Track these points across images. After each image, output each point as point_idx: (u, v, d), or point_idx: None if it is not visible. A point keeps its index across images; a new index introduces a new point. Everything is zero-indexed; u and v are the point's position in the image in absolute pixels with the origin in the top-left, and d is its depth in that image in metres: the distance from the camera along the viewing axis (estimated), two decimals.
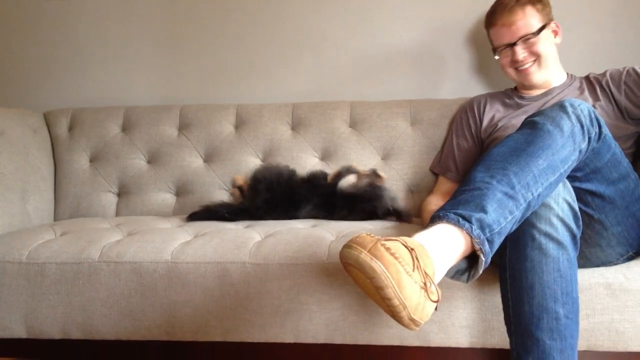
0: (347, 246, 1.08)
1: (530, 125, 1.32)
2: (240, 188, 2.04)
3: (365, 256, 1.04)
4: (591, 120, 1.31)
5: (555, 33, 1.86)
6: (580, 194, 1.35)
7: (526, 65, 1.85)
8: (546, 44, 1.82)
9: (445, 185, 1.94)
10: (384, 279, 1.03)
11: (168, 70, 2.39)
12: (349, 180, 1.85)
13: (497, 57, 1.91)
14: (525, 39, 1.82)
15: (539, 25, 1.81)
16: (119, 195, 2.19)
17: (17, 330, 1.55)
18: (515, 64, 1.86)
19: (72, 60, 2.43)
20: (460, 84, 2.25)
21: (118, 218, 2.03)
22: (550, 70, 1.85)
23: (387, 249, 1.05)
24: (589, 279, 1.39)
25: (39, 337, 1.56)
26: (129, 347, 1.57)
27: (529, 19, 1.81)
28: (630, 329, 1.39)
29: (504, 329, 1.34)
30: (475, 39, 2.08)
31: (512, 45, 1.84)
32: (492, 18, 1.91)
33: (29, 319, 1.54)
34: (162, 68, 2.39)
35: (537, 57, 1.83)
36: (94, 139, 2.23)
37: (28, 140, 2.09)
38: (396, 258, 1.04)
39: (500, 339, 1.41)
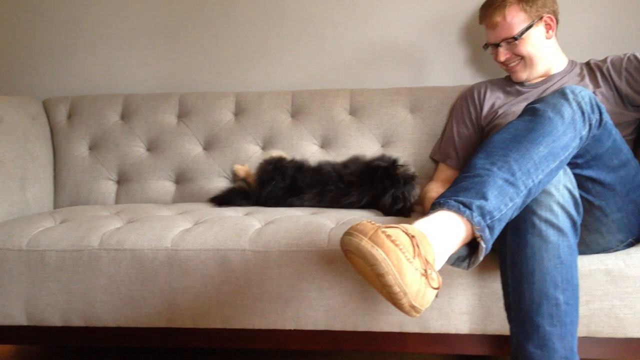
0: (348, 233, 1.08)
1: (531, 112, 1.32)
2: (245, 181, 2.05)
3: (366, 243, 1.05)
4: (592, 107, 1.31)
5: (549, 27, 1.83)
6: (580, 180, 1.35)
7: (511, 65, 1.86)
8: (532, 43, 1.82)
9: (446, 172, 1.94)
10: (384, 266, 1.03)
11: (167, 57, 2.38)
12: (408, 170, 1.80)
13: (487, 52, 1.92)
14: (508, 41, 1.82)
15: (523, 25, 1.80)
16: (118, 182, 2.19)
17: (18, 317, 1.56)
18: (500, 62, 1.87)
19: (71, 47, 2.42)
20: (460, 71, 2.24)
21: (118, 206, 2.02)
22: (538, 67, 1.85)
23: (388, 236, 1.05)
24: (589, 265, 1.40)
25: (40, 324, 1.57)
26: (129, 334, 1.57)
27: (512, 20, 1.80)
28: (630, 315, 1.39)
29: (504, 315, 1.35)
30: (475, 26, 2.07)
31: (497, 45, 1.85)
32: (480, 14, 1.92)
33: (29, 307, 1.55)
34: (162, 56, 2.38)
35: (521, 58, 1.83)
36: (94, 127, 2.23)
37: (27, 128, 2.09)
38: (397, 245, 1.04)
39: (500, 325, 1.42)
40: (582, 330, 1.40)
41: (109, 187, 2.18)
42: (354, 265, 1.15)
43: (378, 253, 1.04)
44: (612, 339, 1.43)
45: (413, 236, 1.08)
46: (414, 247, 1.07)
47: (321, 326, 1.48)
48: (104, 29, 2.39)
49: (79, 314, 1.54)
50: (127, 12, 2.38)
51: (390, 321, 1.46)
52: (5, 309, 1.55)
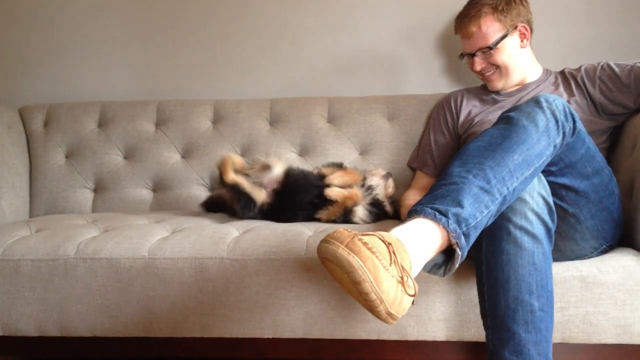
0: (325, 241, 1.08)
1: (506, 120, 1.33)
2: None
3: (342, 251, 1.05)
4: (566, 115, 1.33)
5: (524, 36, 1.86)
6: (555, 188, 1.37)
7: (487, 74, 1.88)
8: (507, 52, 1.84)
9: (423, 180, 1.95)
10: (361, 273, 1.04)
11: (145, 65, 2.37)
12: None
13: (463, 61, 1.94)
14: (483, 50, 1.84)
15: (498, 35, 1.82)
16: (95, 191, 2.17)
17: None
18: (476, 72, 1.89)
19: (48, 55, 2.40)
20: (437, 79, 2.26)
21: (94, 214, 2.01)
22: (513, 76, 1.88)
23: (365, 243, 1.05)
24: (563, 272, 1.41)
25: (15, 334, 1.54)
26: (105, 344, 1.56)
27: (487, 30, 1.82)
28: (604, 321, 1.41)
29: (480, 322, 1.36)
30: (452, 36, 2.09)
31: (472, 55, 1.87)
32: (455, 25, 1.94)
33: (4, 316, 1.53)
34: (139, 63, 2.37)
35: (497, 67, 1.85)
36: (70, 135, 2.21)
37: (2, 136, 2.07)
38: (373, 252, 1.05)
39: (476, 332, 1.43)
40: (556, 337, 1.40)
41: (86, 196, 2.16)
42: (331, 273, 1.15)
43: (355, 260, 1.04)
44: (586, 345, 1.45)
45: (390, 243, 1.09)
46: (390, 254, 1.08)
47: (299, 334, 1.48)
48: (81, 36, 2.38)
49: (54, 323, 1.52)
50: (104, 19, 2.36)
51: (368, 329, 1.46)
52: None
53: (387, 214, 1.77)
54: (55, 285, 1.51)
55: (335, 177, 1.75)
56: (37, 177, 2.18)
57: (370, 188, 1.77)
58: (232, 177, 1.72)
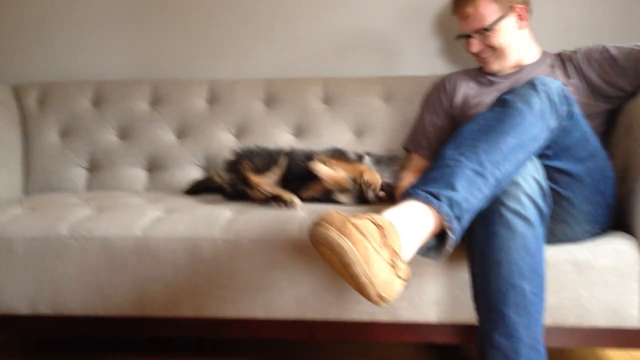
0: (316, 224, 1.08)
1: (501, 103, 1.33)
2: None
3: (333, 233, 1.05)
4: (561, 99, 1.32)
5: (521, 18, 1.83)
6: (549, 171, 1.36)
7: (483, 56, 1.87)
8: (504, 34, 1.82)
9: (418, 162, 1.94)
10: (351, 256, 1.04)
11: (140, 43, 2.35)
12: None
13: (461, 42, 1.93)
14: (479, 32, 1.82)
15: (495, 17, 1.80)
16: (89, 170, 2.17)
17: None
18: (473, 53, 1.88)
19: (42, 32, 2.37)
20: (433, 61, 2.24)
21: (88, 193, 2.01)
22: (510, 58, 1.86)
23: (356, 226, 1.05)
24: (555, 255, 1.41)
25: (8, 313, 1.55)
26: (99, 323, 1.56)
27: (483, 11, 1.80)
28: (596, 304, 1.41)
29: (472, 305, 1.36)
30: (449, 17, 2.07)
31: (469, 36, 1.85)
32: (452, 6, 1.92)
33: None
34: (134, 41, 2.35)
35: (493, 49, 1.84)
36: (65, 113, 2.20)
37: None
38: (364, 235, 1.05)
39: (468, 314, 1.42)
40: (548, 320, 1.41)
41: (80, 175, 2.15)
42: (322, 256, 1.15)
43: (345, 243, 1.04)
44: (578, 329, 1.45)
45: (381, 226, 1.09)
46: (381, 237, 1.08)
47: (292, 315, 1.49)
48: (75, 13, 2.35)
49: (47, 302, 1.53)
50: None
51: (361, 310, 1.46)
52: None
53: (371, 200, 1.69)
54: (48, 264, 1.52)
55: (331, 165, 1.71)
56: (31, 155, 2.17)
57: (364, 184, 1.66)
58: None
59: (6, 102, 2.15)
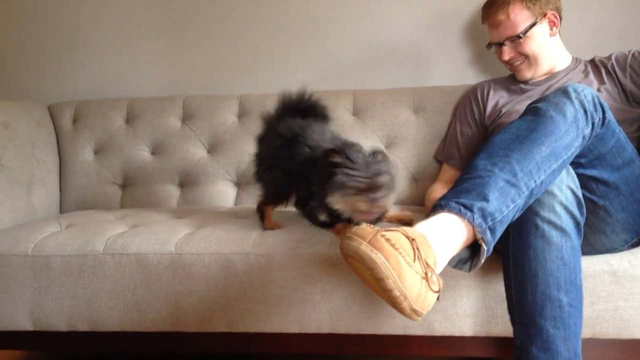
0: (348, 237, 1.08)
1: (533, 111, 1.31)
2: None
3: (365, 247, 1.04)
4: (595, 106, 1.30)
5: (553, 24, 1.82)
6: (584, 180, 1.34)
7: (515, 63, 1.85)
8: (536, 41, 1.81)
9: (449, 173, 1.93)
10: (384, 270, 1.03)
11: (171, 61, 2.38)
12: None
13: (491, 51, 1.92)
14: (512, 39, 1.81)
15: (527, 23, 1.79)
16: (123, 187, 2.20)
17: (24, 322, 1.56)
18: (505, 61, 1.86)
19: (75, 52, 2.42)
20: (463, 71, 2.23)
21: (123, 210, 2.03)
22: (543, 65, 1.84)
23: (387, 239, 1.05)
24: (593, 266, 1.38)
25: (46, 330, 1.57)
26: (134, 339, 1.57)
27: (516, 18, 1.79)
28: (636, 316, 1.38)
29: (507, 317, 1.34)
30: (478, 26, 2.06)
31: (501, 44, 1.84)
32: (482, 14, 1.91)
33: (35, 312, 1.55)
34: (166, 59, 2.38)
35: (525, 56, 1.82)
36: (98, 131, 2.24)
37: (33, 133, 2.10)
38: (396, 249, 1.04)
39: (504, 327, 1.41)
40: (586, 332, 1.38)
41: (114, 192, 2.19)
42: (354, 270, 1.15)
43: (377, 257, 1.03)
44: (617, 340, 1.42)
45: (413, 239, 1.08)
46: (414, 250, 1.07)
47: (325, 329, 1.48)
48: (108, 33, 2.40)
49: (84, 319, 1.54)
50: (130, 15, 2.38)
51: (394, 324, 1.45)
52: (11, 315, 1.56)
53: None
54: (84, 281, 1.53)
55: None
56: (67, 173, 2.21)
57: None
58: None
59: (42, 122, 2.20)
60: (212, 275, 1.49)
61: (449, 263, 1.19)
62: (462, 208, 1.16)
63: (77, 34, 2.42)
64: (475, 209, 1.15)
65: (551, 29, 1.82)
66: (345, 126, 2.11)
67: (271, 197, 1.59)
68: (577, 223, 1.27)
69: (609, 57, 1.81)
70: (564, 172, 1.28)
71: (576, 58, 1.89)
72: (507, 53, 1.84)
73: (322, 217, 1.44)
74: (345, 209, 1.30)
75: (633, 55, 1.75)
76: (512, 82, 1.93)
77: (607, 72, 1.78)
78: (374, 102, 2.12)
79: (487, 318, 1.42)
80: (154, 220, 1.72)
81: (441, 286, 1.11)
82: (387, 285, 1.04)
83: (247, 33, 2.33)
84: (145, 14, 2.38)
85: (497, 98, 1.91)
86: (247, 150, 2.13)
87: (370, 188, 1.25)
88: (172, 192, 2.16)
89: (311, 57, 2.31)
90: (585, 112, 1.28)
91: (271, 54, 2.33)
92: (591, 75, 1.80)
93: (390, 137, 2.09)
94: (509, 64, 1.88)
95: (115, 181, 2.19)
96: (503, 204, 1.18)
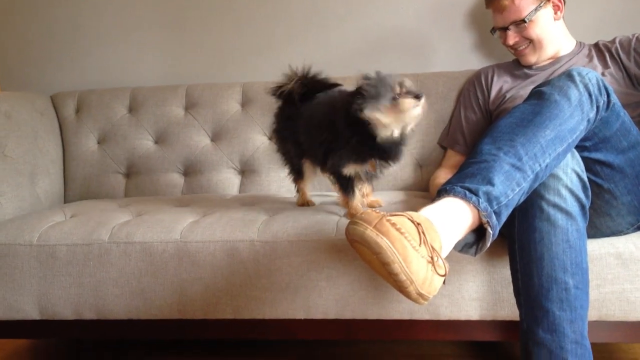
0: (353, 222, 1.08)
1: (538, 95, 1.30)
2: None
3: (370, 232, 1.04)
4: (599, 89, 1.29)
5: (557, 8, 1.82)
6: (589, 163, 1.34)
7: (520, 48, 1.84)
8: (541, 25, 1.80)
9: (454, 158, 1.92)
10: (390, 254, 1.03)
11: (174, 49, 2.38)
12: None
13: (495, 36, 1.91)
14: (516, 24, 1.80)
15: (531, 7, 1.78)
16: (127, 176, 2.20)
17: (30, 311, 1.57)
18: (509, 46, 1.85)
19: (78, 42, 2.42)
20: (467, 56, 2.22)
21: (127, 199, 2.04)
22: (547, 49, 1.84)
23: (393, 224, 1.05)
24: (599, 248, 1.38)
25: (52, 318, 1.58)
26: (141, 326, 1.58)
27: (520, 2, 1.79)
28: None
29: (514, 300, 1.34)
30: (481, 11, 2.05)
31: (505, 29, 1.83)
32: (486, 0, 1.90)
33: (41, 301, 1.56)
34: (168, 48, 2.38)
35: (530, 41, 1.81)
36: (101, 121, 2.24)
37: (36, 123, 2.09)
38: (402, 233, 1.04)
39: (510, 310, 1.41)
40: (593, 314, 1.38)
41: (118, 181, 2.19)
42: (360, 255, 1.15)
43: (383, 241, 1.03)
44: (623, 323, 1.42)
45: (419, 223, 1.08)
46: (419, 234, 1.07)
47: (331, 315, 1.48)
48: (110, 22, 2.39)
49: (90, 307, 1.55)
50: (133, 5, 2.37)
51: (401, 309, 1.45)
52: (17, 304, 1.56)
53: None
54: (90, 270, 1.54)
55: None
56: (71, 163, 2.21)
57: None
58: None
59: (45, 112, 2.20)
60: (217, 262, 1.49)
61: (455, 247, 1.19)
62: (467, 192, 1.16)
63: (80, 24, 2.41)
64: (480, 193, 1.15)
65: (555, 13, 1.81)
66: None
67: (292, 171, 1.70)
68: (582, 206, 1.27)
69: (613, 41, 1.80)
70: (569, 155, 1.28)
71: (580, 42, 1.88)
72: (512, 38, 1.84)
73: (347, 169, 1.45)
74: (382, 118, 1.37)
75: (637, 38, 1.74)
76: (516, 67, 1.92)
77: (611, 56, 1.77)
78: None
79: (493, 302, 1.42)
80: (159, 209, 1.72)
81: (447, 270, 1.11)
82: (393, 269, 1.04)
83: (250, 20, 2.32)
84: (147, 3, 2.37)
85: (501, 83, 1.90)
86: (250, 137, 2.13)
87: (402, 92, 1.36)
88: (176, 181, 2.16)
89: (314, 44, 2.30)
90: (590, 95, 1.28)
91: (274, 42, 2.32)
92: (595, 60, 1.80)
93: None
94: (513, 48, 1.87)
95: (119, 170, 2.19)
96: (508, 187, 1.18)
